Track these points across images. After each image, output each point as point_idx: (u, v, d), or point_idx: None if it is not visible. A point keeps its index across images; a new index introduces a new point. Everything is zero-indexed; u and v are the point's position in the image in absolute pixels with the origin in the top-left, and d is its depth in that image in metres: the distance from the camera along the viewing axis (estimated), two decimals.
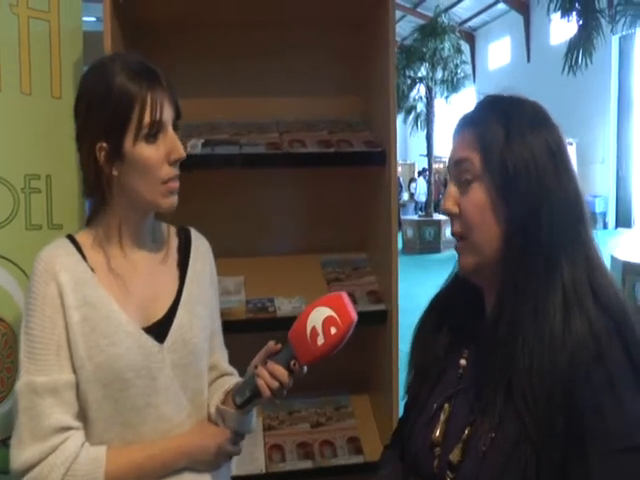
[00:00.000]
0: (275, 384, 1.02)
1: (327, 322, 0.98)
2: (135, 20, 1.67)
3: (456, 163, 0.93)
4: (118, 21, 1.50)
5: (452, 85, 12.41)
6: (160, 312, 1.10)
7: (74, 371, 1.02)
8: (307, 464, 1.69)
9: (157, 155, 1.04)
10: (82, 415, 1.04)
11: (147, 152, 1.03)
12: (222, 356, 1.24)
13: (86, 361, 1.01)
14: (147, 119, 1.02)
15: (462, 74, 12.73)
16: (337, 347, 0.99)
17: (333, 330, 0.98)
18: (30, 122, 1.39)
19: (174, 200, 1.08)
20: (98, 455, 1.00)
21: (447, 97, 12.59)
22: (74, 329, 1.01)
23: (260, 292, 1.73)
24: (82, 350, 1.01)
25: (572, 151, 14.66)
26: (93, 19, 1.78)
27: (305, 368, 1.03)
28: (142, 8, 1.62)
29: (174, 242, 1.18)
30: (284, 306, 1.71)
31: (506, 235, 0.87)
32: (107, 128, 1.02)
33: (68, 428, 1.00)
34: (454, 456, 0.88)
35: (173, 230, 1.20)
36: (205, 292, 1.17)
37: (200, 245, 1.21)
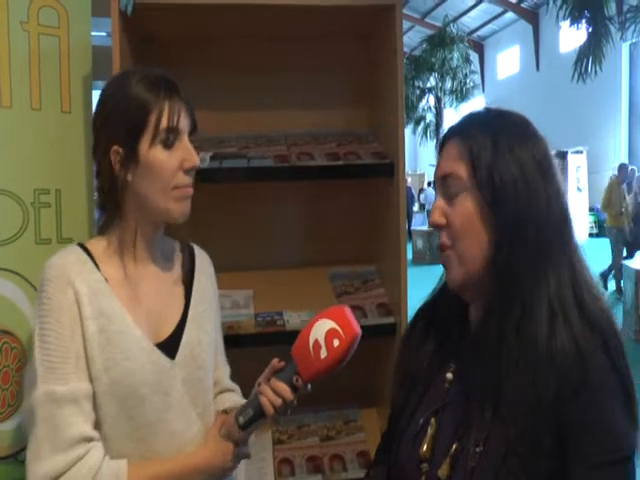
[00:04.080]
0: (278, 401, 1.01)
1: (330, 335, 0.96)
2: (144, 34, 1.68)
3: (443, 178, 0.93)
4: (127, 35, 1.50)
5: (461, 95, 12.43)
6: (169, 328, 1.10)
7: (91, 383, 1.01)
8: (317, 478, 1.68)
9: (172, 161, 1.05)
10: (99, 430, 1.02)
11: (162, 157, 1.04)
12: (224, 372, 1.24)
13: (102, 374, 1.00)
14: (164, 124, 1.04)
15: (471, 84, 12.75)
16: (341, 362, 0.97)
17: (336, 342, 0.96)
18: (40, 137, 1.40)
19: (186, 207, 1.08)
20: (120, 468, 0.99)
21: (456, 107, 12.62)
22: (91, 340, 1.00)
23: (269, 306, 1.72)
24: (99, 362, 1.00)
25: (583, 159, 14.59)
26: (103, 34, 1.79)
27: (309, 386, 1.02)
28: (151, 22, 1.63)
29: (180, 258, 1.18)
30: (293, 319, 1.70)
31: (494, 245, 0.88)
32: (123, 132, 1.04)
33: (90, 438, 0.98)
34: (442, 472, 0.88)
35: (178, 246, 1.20)
36: (209, 308, 1.18)
37: (203, 261, 1.22)
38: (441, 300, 1.02)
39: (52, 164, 1.42)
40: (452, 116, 12.68)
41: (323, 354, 0.96)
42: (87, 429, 0.98)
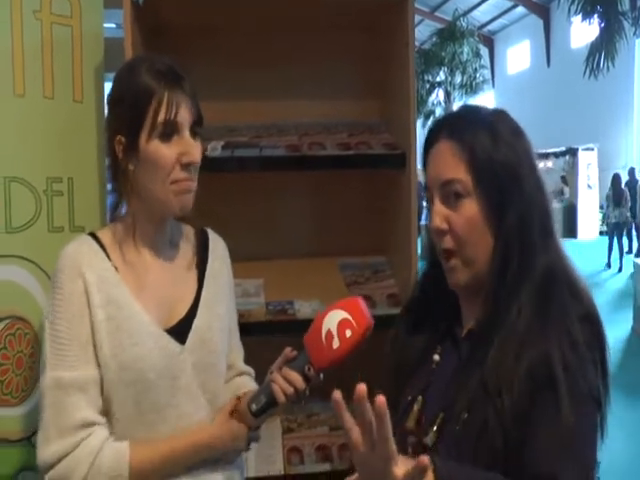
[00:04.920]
0: (290, 389, 1.02)
1: (342, 325, 0.97)
2: (155, 25, 1.68)
3: (444, 184, 0.92)
4: (138, 26, 1.51)
5: (471, 89, 12.38)
6: (180, 313, 1.11)
7: (98, 369, 1.02)
8: (325, 467, 1.68)
9: (169, 155, 1.04)
10: (107, 415, 1.04)
11: (160, 150, 1.04)
12: (238, 355, 1.25)
13: (110, 360, 1.02)
14: (161, 117, 1.03)
15: (481, 78, 12.70)
16: (351, 352, 0.97)
17: (348, 333, 0.96)
18: (52, 125, 1.41)
19: (186, 200, 1.07)
20: (122, 449, 1.01)
21: (466, 101, 12.56)
22: (99, 327, 1.02)
23: (280, 295, 1.73)
24: (107, 349, 1.02)
25: (593, 156, 14.50)
26: (114, 25, 1.80)
27: (321, 375, 1.02)
28: (162, 12, 1.64)
29: (192, 243, 1.19)
30: (304, 309, 1.71)
31: (501, 246, 0.90)
32: (125, 122, 1.04)
33: (93, 423, 1.00)
34: (430, 439, 0.90)
35: (191, 231, 1.21)
36: (223, 292, 1.18)
37: (217, 246, 1.22)
38: (429, 289, 1.03)
39: (64, 152, 1.42)
40: None
41: (335, 344, 0.97)
42: (90, 414, 1.00)
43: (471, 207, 0.90)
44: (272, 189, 1.87)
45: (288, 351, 1.06)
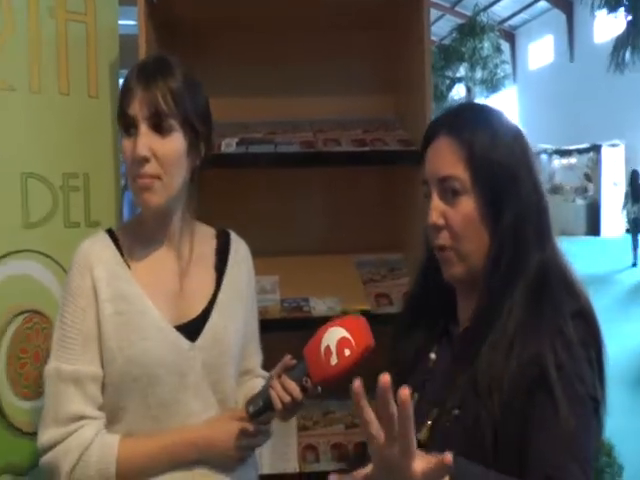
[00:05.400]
0: (287, 398, 1.01)
1: (342, 343, 0.96)
2: (170, 22, 1.68)
3: (442, 180, 0.92)
4: (153, 23, 1.51)
5: (492, 85, 12.26)
6: (194, 312, 1.11)
7: (104, 364, 1.04)
8: (341, 465, 1.67)
9: (125, 149, 1.04)
10: (115, 410, 1.05)
11: (124, 145, 1.05)
12: (257, 361, 1.24)
13: (117, 353, 1.03)
14: (120, 111, 1.04)
15: (502, 74, 12.56)
16: (349, 370, 0.96)
17: (347, 352, 0.95)
18: (68, 121, 1.42)
19: (145, 199, 1.04)
20: (111, 443, 1.02)
21: (487, 97, 12.45)
22: (106, 322, 1.03)
23: (295, 292, 1.72)
24: (114, 342, 1.03)
25: (620, 153, 14.25)
26: (132, 22, 1.80)
27: (319, 388, 1.01)
28: (176, 9, 1.64)
29: (212, 244, 1.18)
30: (319, 306, 1.70)
31: (496, 244, 0.90)
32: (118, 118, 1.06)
33: (85, 417, 1.03)
34: (422, 435, 0.90)
35: (212, 232, 1.20)
36: (241, 296, 1.17)
37: (239, 249, 1.21)
38: (427, 288, 1.03)
39: (80, 149, 1.43)
40: None
41: (333, 361, 0.96)
42: (84, 408, 1.02)
43: (468, 204, 0.91)
44: (287, 185, 1.86)
45: (288, 359, 1.05)
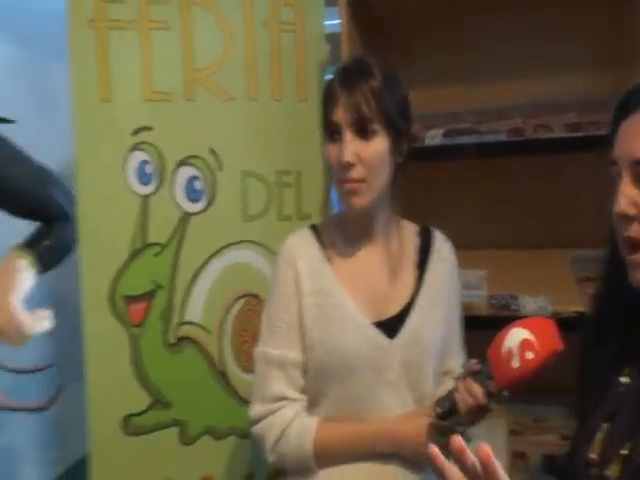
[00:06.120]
0: (470, 401, 0.98)
1: (524, 345, 0.90)
2: (372, 18, 1.72)
3: (636, 163, 0.77)
4: (355, 20, 1.55)
5: None
6: (392, 310, 1.11)
7: (307, 351, 1.09)
8: (550, 478, 1.55)
9: (331, 155, 1.07)
10: (316, 394, 1.11)
11: (328, 150, 1.07)
12: (458, 362, 1.20)
13: (317, 343, 1.08)
14: (324, 118, 1.08)
15: None
16: (534, 375, 0.90)
17: (530, 355, 0.89)
18: (280, 125, 1.54)
19: (352, 202, 1.07)
20: (309, 424, 1.08)
21: None
22: (308, 313, 1.09)
23: (503, 288, 1.64)
24: (315, 333, 1.08)
25: None
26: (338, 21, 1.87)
27: (505, 393, 0.95)
28: (378, 5, 1.66)
29: (414, 242, 1.18)
30: (529, 305, 1.60)
31: None
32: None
33: (286, 398, 1.10)
34: (611, 471, 0.78)
35: (414, 229, 1.20)
36: (443, 297, 1.15)
37: (442, 248, 1.19)
38: (616, 301, 0.86)
39: (292, 148, 1.54)
40: None
41: (515, 364, 0.90)
42: (285, 390, 1.09)
43: None
44: (493, 175, 1.78)
45: (473, 363, 1.01)
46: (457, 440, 0.62)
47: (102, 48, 1.43)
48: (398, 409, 1.09)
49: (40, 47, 2.22)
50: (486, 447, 0.60)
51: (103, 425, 1.44)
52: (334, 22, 1.61)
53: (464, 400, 0.99)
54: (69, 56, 1.43)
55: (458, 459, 0.63)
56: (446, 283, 1.17)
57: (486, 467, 0.61)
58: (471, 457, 0.62)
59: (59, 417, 2.24)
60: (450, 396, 1.03)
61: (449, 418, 1.03)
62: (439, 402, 1.04)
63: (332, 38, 1.59)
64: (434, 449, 0.64)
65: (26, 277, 1.49)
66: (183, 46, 1.47)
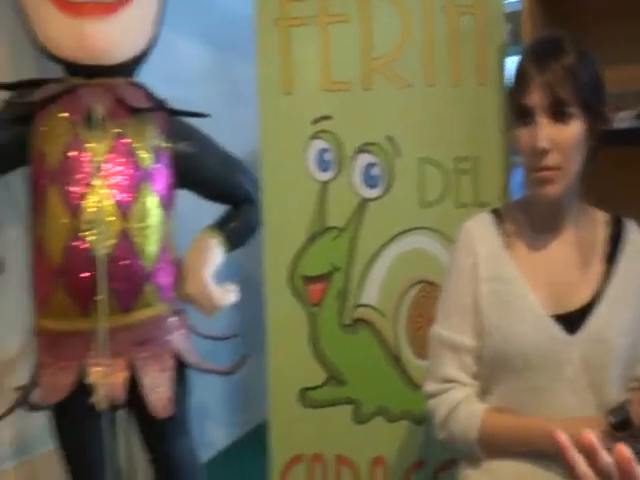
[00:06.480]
0: None
1: None
2: None
3: None
4: None
5: None
6: (574, 304, 1.05)
7: (483, 337, 1.07)
8: None
9: (522, 141, 1.02)
10: (489, 381, 1.09)
11: (520, 135, 1.02)
12: None
13: (494, 330, 1.06)
14: (515, 100, 1.03)
15: None
16: None
17: None
18: (459, 110, 1.51)
19: (546, 190, 1.01)
20: (477, 410, 1.07)
21: None
22: (484, 299, 1.07)
23: None
24: (493, 319, 1.06)
25: None
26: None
27: None
28: None
29: (603, 232, 1.11)
30: None
31: None
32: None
33: (454, 380, 1.10)
34: None
35: (603, 218, 1.12)
36: (634, 294, 1.06)
37: (636, 239, 1.10)
38: None
39: (470, 134, 1.51)
40: None
41: None
42: (455, 373, 1.10)
43: None
44: None
45: None
46: (624, 449, 0.56)
47: (285, 44, 1.51)
48: (578, 410, 1.02)
49: (230, 50, 2.43)
50: (625, 450, 0.55)
51: (282, 395, 1.54)
52: (514, 0, 1.55)
53: (637, 412, 0.93)
54: (256, 54, 1.53)
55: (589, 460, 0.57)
56: (639, 280, 1.07)
57: (624, 472, 0.57)
58: (605, 459, 0.56)
59: (244, 383, 2.44)
60: (625, 407, 0.97)
61: (622, 431, 0.96)
62: (612, 412, 0.98)
63: (512, 17, 1.54)
64: (560, 436, 0.59)
65: (216, 254, 1.65)
66: (361, 37, 1.50)
